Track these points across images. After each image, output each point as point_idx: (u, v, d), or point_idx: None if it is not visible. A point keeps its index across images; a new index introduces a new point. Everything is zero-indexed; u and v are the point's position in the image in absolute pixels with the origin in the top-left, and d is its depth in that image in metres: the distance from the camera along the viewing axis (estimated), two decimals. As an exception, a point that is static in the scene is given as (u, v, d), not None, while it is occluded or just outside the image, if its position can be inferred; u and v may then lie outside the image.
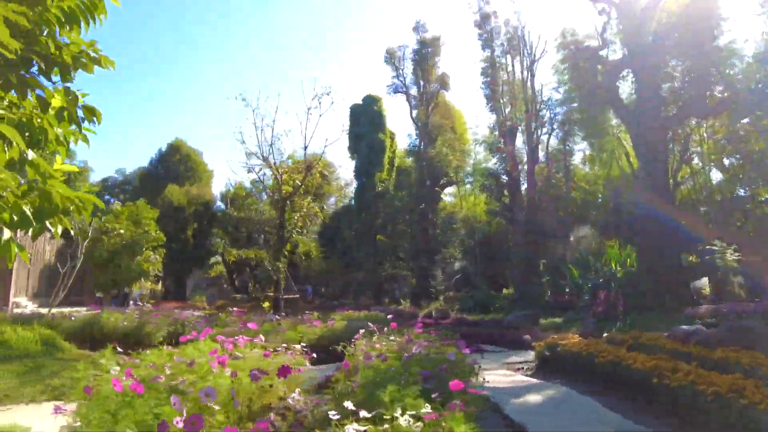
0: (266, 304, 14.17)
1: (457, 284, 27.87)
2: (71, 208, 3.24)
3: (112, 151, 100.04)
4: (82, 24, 3.36)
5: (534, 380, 7.11)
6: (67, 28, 3.43)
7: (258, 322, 10.50)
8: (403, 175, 33.99)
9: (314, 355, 6.01)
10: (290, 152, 16.39)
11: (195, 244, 38.95)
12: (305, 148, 15.79)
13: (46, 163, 3.02)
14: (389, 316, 6.99)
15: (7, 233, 2.84)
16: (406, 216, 31.76)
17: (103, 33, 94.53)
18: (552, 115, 25.94)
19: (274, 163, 15.47)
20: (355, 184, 35.37)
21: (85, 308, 13.86)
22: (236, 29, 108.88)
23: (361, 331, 6.10)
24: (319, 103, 15.58)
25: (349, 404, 2.54)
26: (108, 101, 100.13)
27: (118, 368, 3.98)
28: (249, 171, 15.98)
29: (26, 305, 20.92)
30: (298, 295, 17.18)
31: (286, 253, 14.92)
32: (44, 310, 13.42)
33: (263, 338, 5.30)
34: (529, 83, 24.29)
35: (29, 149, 3.04)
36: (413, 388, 2.95)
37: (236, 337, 5.03)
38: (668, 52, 15.96)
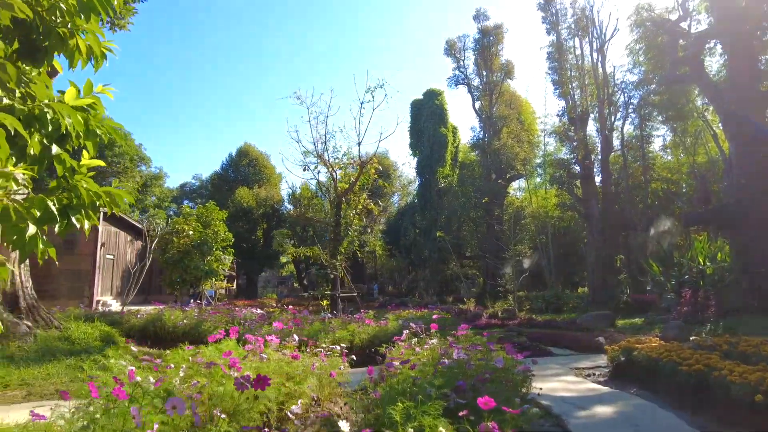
0: (325, 302, 14.00)
1: (528, 283, 26.55)
2: (98, 203, 3.10)
3: (192, 157, 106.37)
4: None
5: (605, 389, 6.26)
6: (82, 16, 3.24)
7: (309, 320, 10.31)
8: (467, 170, 33.02)
9: (354, 357, 5.60)
10: (345, 149, 16.30)
11: (264, 244, 40.24)
12: (359, 143, 15.48)
13: (70, 158, 2.88)
14: (434, 317, 6.42)
15: (32, 229, 2.69)
16: (471, 212, 30.79)
17: (180, 44, 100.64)
18: (626, 99, 23.96)
19: (329, 160, 15.29)
20: (417, 182, 34.91)
21: (151, 307, 14.41)
22: (296, 29, 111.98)
23: (405, 332, 5.59)
24: (373, 96, 15.19)
25: (344, 425, 2.07)
26: (188, 109, 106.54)
27: (133, 368, 3.76)
28: (304, 169, 15.92)
29: (111, 303, 22.38)
30: (355, 293, 16.89)
31: (342, 250, 14.69)
32: (133, 308, 14.09)
33: (296, 338, 4.94)
34: (599, 66, 22.57)
35: (53, 144, 2.91)
36: (436, 403, 2.41)
37: (268, 337, 4.70)
38: (765, 17, 14.01)
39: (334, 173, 14.96)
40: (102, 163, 3.95)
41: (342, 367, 4.89)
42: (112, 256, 24.15)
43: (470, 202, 30.08)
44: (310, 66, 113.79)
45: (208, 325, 10.68)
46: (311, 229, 34.32)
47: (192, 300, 16.75)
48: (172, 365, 4.05)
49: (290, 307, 11.96)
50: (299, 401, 3.08)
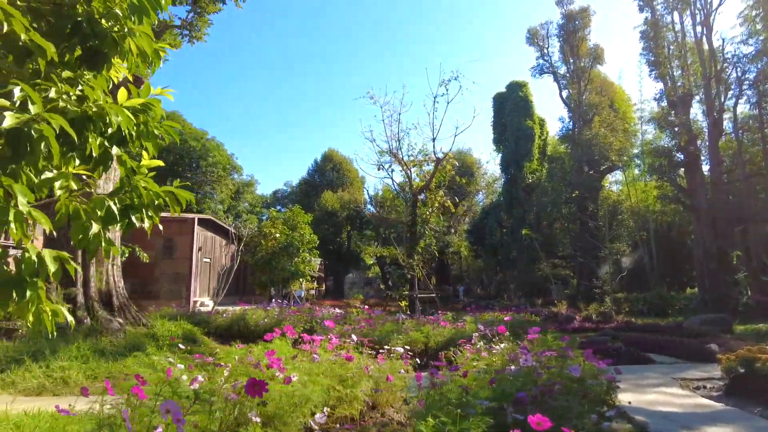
0: (403, 303, 13.74)
1: (627, 284, 24.40)
2: (157, 202, 3.10)
3: (284, 165, 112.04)
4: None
5: (719, 405, 5.32)
6: (133, 19, 3.25)
7: (382, 321, 10.09)
8: (557, 164, 31.16)
9: (417, 360, 5.23)
10: (420, 146, 15.92)
11: (349, 245, 41.01)
12: (434, 139, 15.04)
13: (129, 158, 2.92)
14: (505, 319, 5.87)
15: (95, 228, 2.75)
16: (562, 209, 28.95)
17: (272, 56, 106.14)
18: (740, 75, 21.07)
19: (403, 158, 15.02)
20: (502, 179, 33.62)
21: (238, 307, 15.01)
22: (371, 27, 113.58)
23: (475, 335, 5.13)
24: (447, 90, 14.68)
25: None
26: (278, 118, 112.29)
27: (182, 366, 3.70)
28: (379, 168, 15.79)
29: (208, 304, 23.88)
30: (434, 294, 16.43)
31: (419, 250, 14.33)
32: (220, 308, 14.86)
33: (354, 338, 4.68)
34: (704, 41, 20.16)
35: (114, 146, 2.94)
36: (479, 419, 1.98)
37: (319, 337, 4.49)
38: None
39: (408, 171, 14.67)
40: (161, 163, 3.93)
41: (403, 370, 4.55)
42: (208, 260, 25.75)
43: (561, 197, 28.26)
44: (387, 65, 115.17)
45: (287, 324, 10.87)
46: (392, 230, 34.38)
47: (273, 300, 17.28)
48: (223, 364, 3.97)
49: (366, 307, 11.85)
50: (325, 409, 2.78)
